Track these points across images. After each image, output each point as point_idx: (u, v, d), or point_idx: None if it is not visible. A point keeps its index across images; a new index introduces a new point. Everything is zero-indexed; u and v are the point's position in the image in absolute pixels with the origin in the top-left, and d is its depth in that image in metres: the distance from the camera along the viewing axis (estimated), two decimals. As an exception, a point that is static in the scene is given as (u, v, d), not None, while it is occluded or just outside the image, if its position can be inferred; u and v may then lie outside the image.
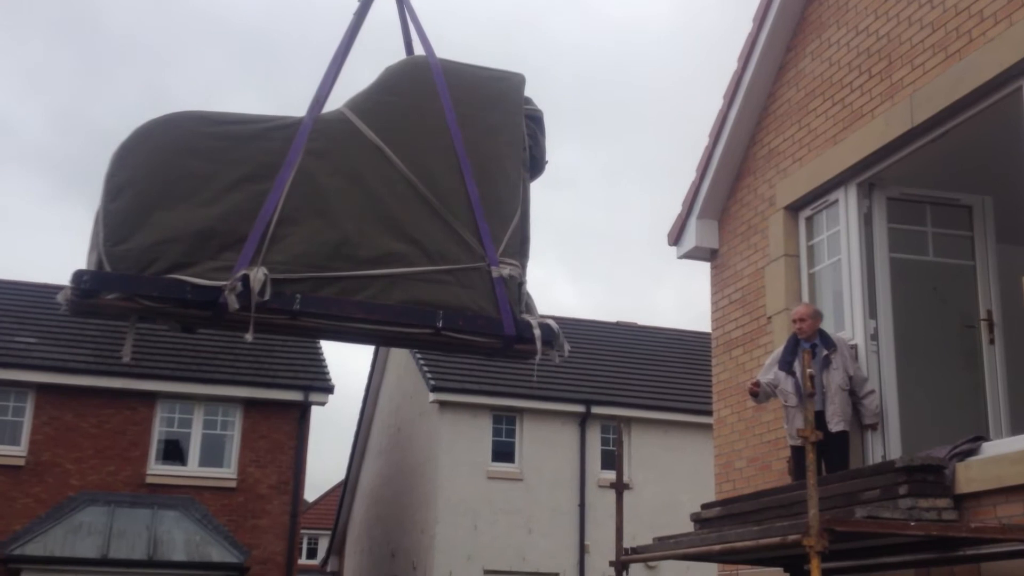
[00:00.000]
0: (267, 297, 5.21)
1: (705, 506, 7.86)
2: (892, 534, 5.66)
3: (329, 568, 28.95)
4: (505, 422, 20.24)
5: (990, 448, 6.18)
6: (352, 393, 78.71)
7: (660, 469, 20.16)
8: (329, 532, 30.34)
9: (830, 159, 7.82)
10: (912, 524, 5.66)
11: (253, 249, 5.26)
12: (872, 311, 7.48)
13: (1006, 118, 6.50)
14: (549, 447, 20.09)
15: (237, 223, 5.30)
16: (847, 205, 7.73)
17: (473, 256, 5.67)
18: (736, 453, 8.75)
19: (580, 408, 20.19)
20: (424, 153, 5.72)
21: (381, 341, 6.10)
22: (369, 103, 5.76)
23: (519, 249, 5.89)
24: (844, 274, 7.69)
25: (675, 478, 19.59)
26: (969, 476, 6.06)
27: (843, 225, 7.75)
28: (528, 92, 6.21)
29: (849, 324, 7.56)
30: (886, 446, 7.23)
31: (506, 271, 5.70)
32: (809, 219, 8.25)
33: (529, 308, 5.87)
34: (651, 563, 18.19)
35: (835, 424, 7.13)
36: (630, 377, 21.56)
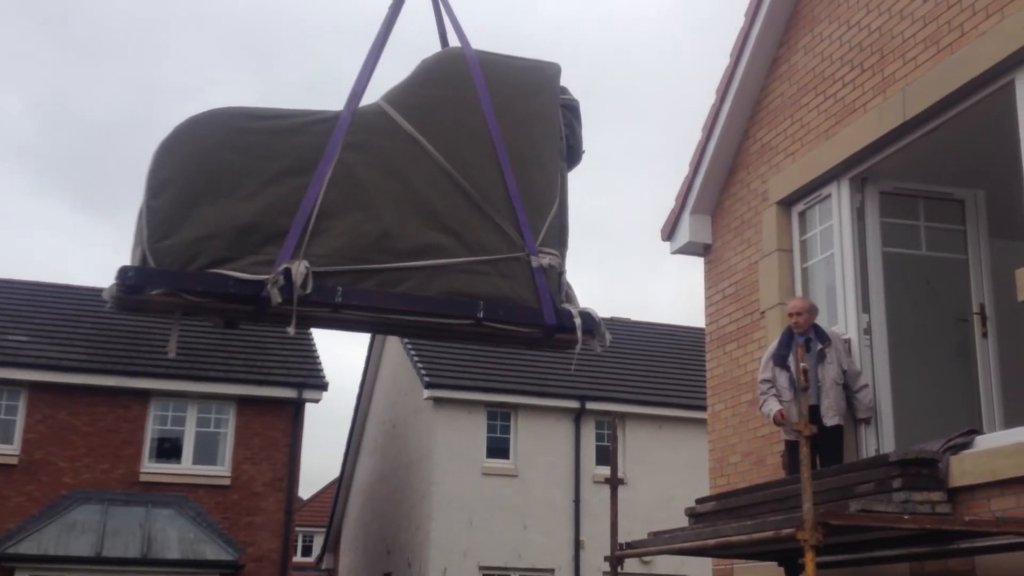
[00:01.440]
0: (309, 290, 5.25)
1: (699, 501, 7.86)
2: (886, 527, 5.68)
3: (324, 565, 28.95)
4: (500, 418, 20.25)
5: (984, 441, 6.19)
6: (347, 390, 78.68)
7: (655, 464, 20.18)
8: (324, 529, 30.32)
9: (823, 154, 7.82)
10: (906, 517, 5.67)
11: (294, 243, 5.31)
12: (865, 305, 7.50)
13: (998, 112, 6.51)
14: (544, 443, 20.11)
15: (277, 217, 5.35)
16: (840, 199, 7.73)
17: (512, 246, 5.67)
18: (730, 448, 8.75)
19: (575, 404, 20.21)
20: (461, 144, 5.74)
21: (422, 333, 6.07)
22: (406, 96, 5.78)
23: (558, 239, 5.90)
24: (837, 268, 7.70)
25: (670, 473, 19.61)
26: (963, 469, 6.07)
27: (836, 219, 7.76)
28: None
29: (842, 318, 7.57)
30: (879, 440, 7.25)
31: (545, 260, 5.70)
32: (802, 214, 8.25)
33: (569, 298, 5.86)
34: (646, 558, 18.20)
35: (830, 418, 7.14)
36: (625, 373, 21.58)
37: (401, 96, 5.76)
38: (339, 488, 27.43)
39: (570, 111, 6.16)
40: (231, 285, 5.21)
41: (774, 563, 7.50)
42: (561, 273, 5.84)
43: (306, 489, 42.81)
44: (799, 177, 8.09)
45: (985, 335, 7.55)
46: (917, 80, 6.90)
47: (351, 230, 5.44)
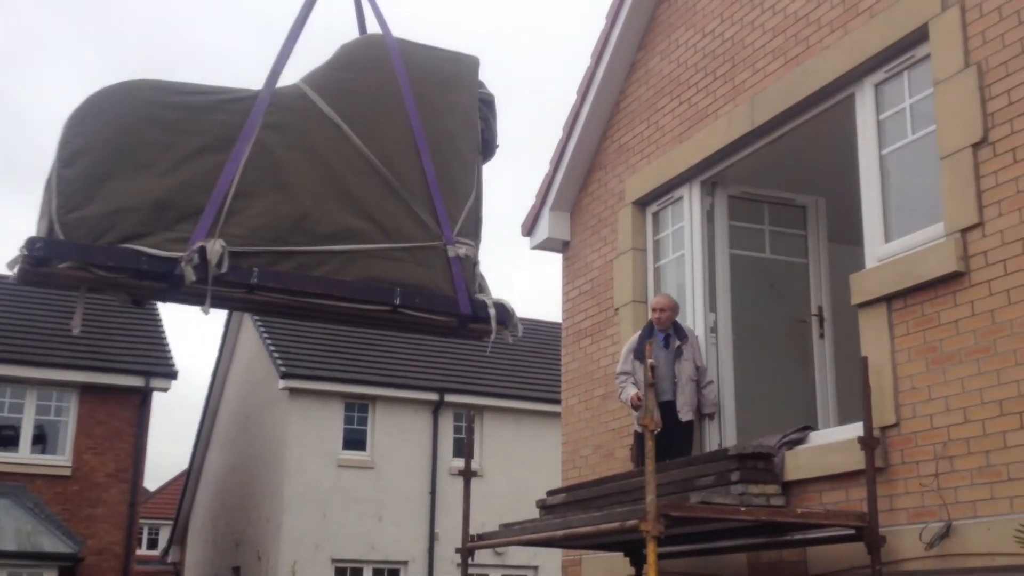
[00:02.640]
0: (224, 270, 5.16)
1: (550, 493, 7.98)
2: (724, 519, 5.88)
3: (170, 559, 28.10)
4: (357, 409, 20.05)
5: (817, 437, 6.49)
6: (199, 379, 76.30)
7: (512, 457, 20.36)
8: (171, 522, 29.42)
9: (676, 157, 8.04)
10: (743, 510, 5.89)
11: (210, 221, 5.21)
12: (712, 304, 7.75)
13: (840, 123, 6.82)
14: (402, 435, 20.02)
15: (194, 194, 5.25)
16: (691, 202, 7.97)
17: (429, 235, 5.71)
18: (583, 441, 8.92)
19: (434, 396, 20.18)
20: (381, 131, 5.73)
21: (337, 318, 6.03)
22: (326, 79, 5.74)
23: (473, 230, 5.96)
24: (687, 268, 7.94)
25: (527, 466, 19.81)
26: (797, 464, 6.36)
27: (687, 221, 7.99)
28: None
29: (691, 317, 7.80)
30: (722, 434, 7.51)
31: (462, 251, 5.75)
32: (656, 214, 8.47)
33: (482, 288, 5.93)
34: (499, 549, 18.38)
35: (685, 413, 7.36)
36: (484, 366, 21.67)
37: (322, 79, 5.73)
38: (187, 480, 26.66)
39: (486, 105, 6.22)
40: (144, 262, 5.09)
41: (620, 553, 7.68)
42: (476, 264, 5.90)
43: (153, 481, 41.52)
44: (654, 179, 8.29)
45: (822, 336, 7.92)
46: (765, 89, 7.17)
47: (269, 211, 5.38)
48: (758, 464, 6.28)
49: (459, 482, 7.59)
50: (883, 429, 5.86)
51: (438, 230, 5.73)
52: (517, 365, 22.37)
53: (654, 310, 7.58)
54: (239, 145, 5.38)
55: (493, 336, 5.81)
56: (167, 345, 19.38)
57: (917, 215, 6.04)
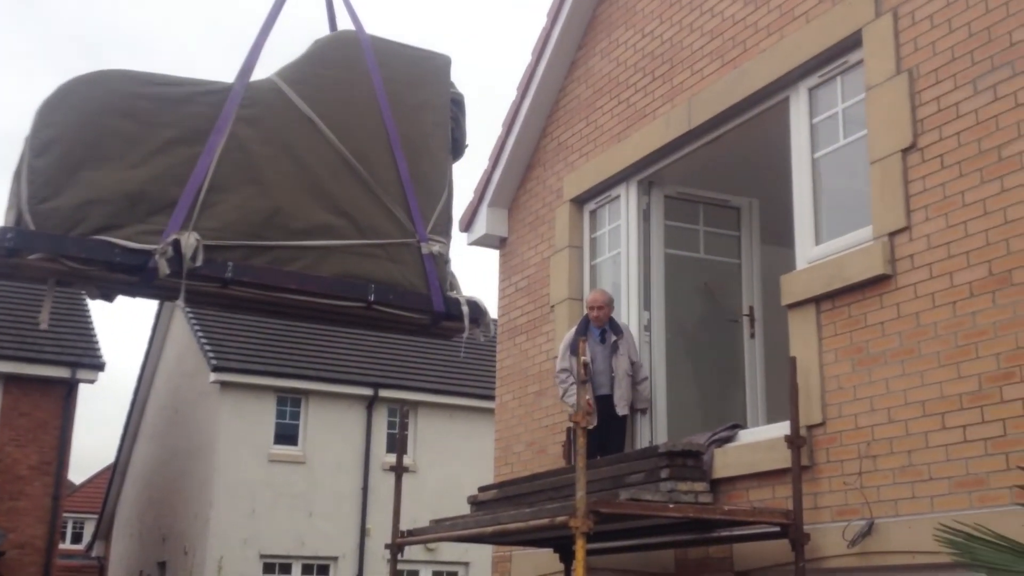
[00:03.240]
0: (199, 263, 5.13)
1: (482, 489, 7.98)
2: (653, 515, 5.93)
3: (94, 553, 27.56)
4: (290, 404, 19.84)
5: (746, 436, 6.58)
6: (127, 370, 74.95)
7: (446, 452, 20.33)
8: (96, 516, 28.83)
9: (614, 156, 8.09)
10: (671, 506, 5.95)
11: (184, 214, 5.19)
12: (647, 303, 7.82)
13: (775, 126, 6.91)
14: (335, 430, 19.86)
15: (167, 186, 5.21)
16: (628, 201, 8.02)
17: (403, 232, 5.74)
18: (515, 437, 8.92)
19: (368, 391, 20.06)
20: (355, 127, 5.74)
21: (310, 315, 6.03)
22: (300, 74, 5.73)
23: (445, 228, 5.98)
24: (623, 267, 7.99)
25: (460, 462, 19.79)
26: (726, 462, 6.43)
27: (624, 220, 8.04)
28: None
29: (625, 315, 7.86)
30: (653, 431, 7.58)
31: (435, 248, 5.79)
32: (593, 212, 8.51)
33: (454, 286, 5.96)
34: (430, 545, 18.33)
35: (621, 408, 7.41)
36: (419, 361, 21.61)
37: (295, 74, 5.72)
38: (114, 473, 26.15)
39: (455, 104, 6.26)
40: (117, 254, 5.04)
41: (550, 550, 7.70)
42: (447, 261, 5.92)
43: (78, 474, 40.57)
44: (591, 177, 8.33)
45: (752, 335, 8.03)
46: (703, 91, 7.24)
47: (243, 205, 5.37)
48: (687, 461, 6.34)
49: (392, 477, 7.56)
50: (809, 428, 5.96)
51: (411, 227, 5.76)
52: (452, 361, 22.32)
53: (591, 308, 7.60)
54: (213, 138, 5.36)
55: (466, 334, 5.86)
56: (95, 335, 18.97)
57: (847, 218, 6.14)
